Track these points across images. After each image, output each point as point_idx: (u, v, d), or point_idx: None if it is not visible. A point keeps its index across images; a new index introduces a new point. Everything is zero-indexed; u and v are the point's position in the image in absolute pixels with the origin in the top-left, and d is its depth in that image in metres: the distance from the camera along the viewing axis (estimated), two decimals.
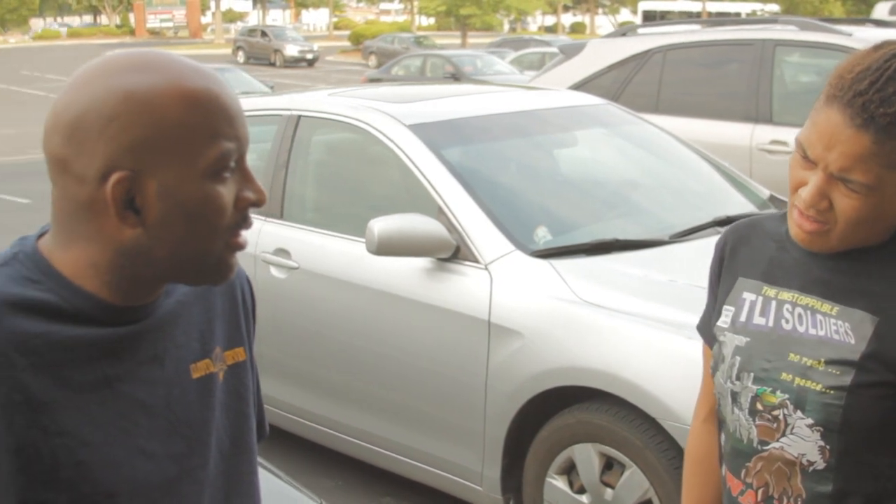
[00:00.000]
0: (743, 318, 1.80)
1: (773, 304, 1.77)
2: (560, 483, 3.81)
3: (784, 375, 1.71)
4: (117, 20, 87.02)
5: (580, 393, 3.70)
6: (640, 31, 9.00)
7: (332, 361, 4.54)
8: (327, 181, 5.15)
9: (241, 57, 46.01)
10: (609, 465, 3.69)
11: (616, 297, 3.73)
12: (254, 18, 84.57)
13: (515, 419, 3.84)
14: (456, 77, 25.45)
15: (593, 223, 4.43)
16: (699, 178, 5.18)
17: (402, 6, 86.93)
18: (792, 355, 1.71)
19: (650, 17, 50.91)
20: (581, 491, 3.77)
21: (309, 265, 4.59)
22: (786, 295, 1.76)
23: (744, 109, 7.42)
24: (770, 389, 1.73)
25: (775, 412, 1.72)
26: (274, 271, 4.70)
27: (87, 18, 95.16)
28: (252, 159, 5.36)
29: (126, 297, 1.32)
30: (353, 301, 4.39)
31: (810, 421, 1.68)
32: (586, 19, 76.81)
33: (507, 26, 74.60)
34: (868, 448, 1.67)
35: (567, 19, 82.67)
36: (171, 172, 1.26)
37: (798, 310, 1.73)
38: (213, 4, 70.95)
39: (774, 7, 52.18)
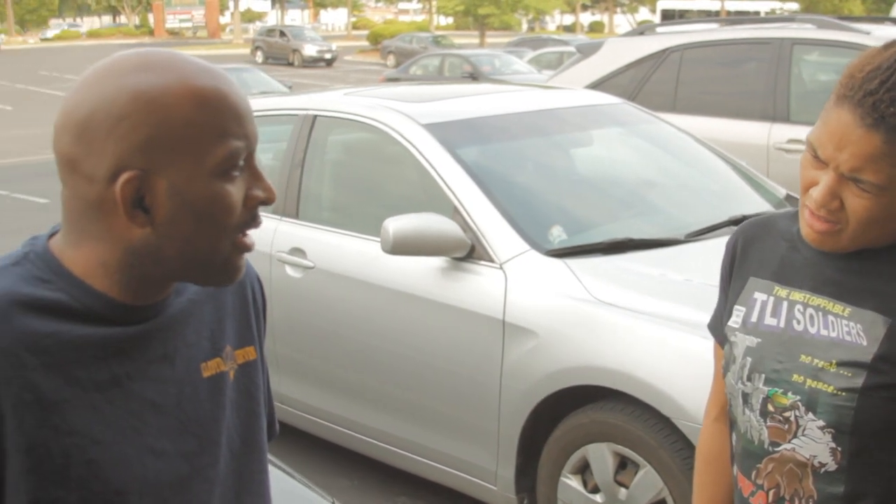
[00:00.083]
0: (754, 318, 1.79)
1: (785, 304, 1.76)
2: (574, 482, 3.80)
3: (795, 377, 1.70)
4: (136, 20, 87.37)
5: (594, 392, 3.70)
6: (659, 29, 8.98)
7: (348, 361, 4.54)
8: (343, 181, 5.16)
9: (259, 57, 46.08)
10: (623, 464, 3.68)
11: (631, 296, 3.72)
12: (272, 18, 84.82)
13: (530, 418, 3.83)
14: (474, 76, 25.44)
15: (609, 222, 4.42)
16: (715, 177, 5.16)
17: (420, 6, 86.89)
18: (803, 357, 1.70)
19: (669, 16, 50.83)
20: (595, 490, 3.76)
21: (324, 265, 4.59)
22: (797, 295, 1.75)
23: (761, 108, 7.39)
24: (781, 391, 1.72)
25: (787, 414, 1.71)
26: (289, 271, 4.71)
27: (107, 19, 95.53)
28: (268, 159, 5.40)
29: (136, 296, 1.33)
30: (369, 300, 4.40)
31: (822, 423, 1.67)
32: (605, 18, 76.66)
33: (525, 26, 74.51)
34: (880, 449, 1.67)
35: (586, 18, 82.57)
36: (180, 171, 1.26)
37: (809, 310, 1.72)
38: (231, 4, 71.17)
39: (794, 6, 51.93)
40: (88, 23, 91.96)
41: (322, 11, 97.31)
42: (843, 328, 1.68)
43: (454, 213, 4.15)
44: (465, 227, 4.08)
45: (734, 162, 5.24)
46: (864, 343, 1.65)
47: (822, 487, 1.71)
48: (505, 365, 3.86)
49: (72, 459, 1.26)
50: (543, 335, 3.77)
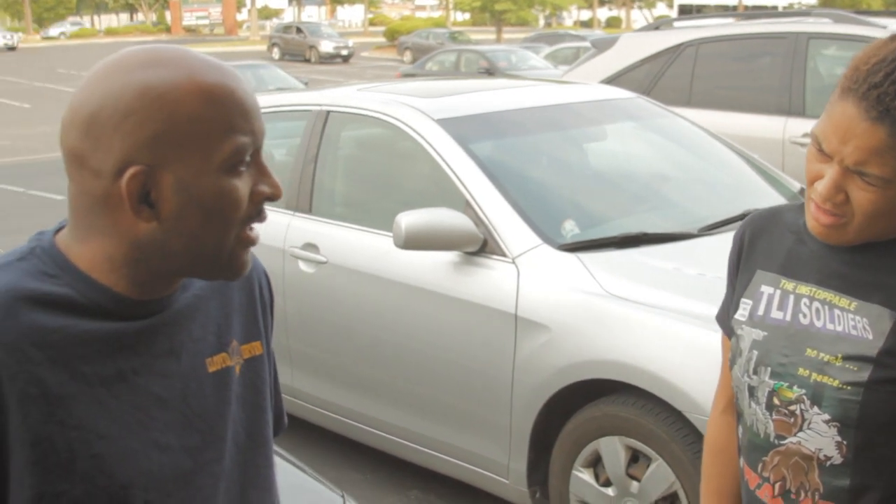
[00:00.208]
0: (761, 311, 1.79)
1: (791, 298, 1.75)
2: (586, 476, 3.80)
3: (801, 371, 1.70)
4: (153, 18, 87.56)
5: (606, 386, 3.70)
6: (675, 24, 8.95)
7: (360, 355, 4.55)
8: (356, 176, 5.17)
9: (276, 53, 46.12)
10: (635, 457, 3.68)
11: (643, 290, 3.72)
12: (289, 15, 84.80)
13: (542, 412, 3.83)
14: (490, 72, 25.40)
15: (622, 217, 4.42)
16: (729, 171, 5.15)
17: (437, 2, 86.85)
18: (809, 350, 1.70)
19: (686, 11, 50.63)
20: (607, 484, 3.76)
21: (337, 260, 4.60)
22: (804, 289, 1.74)
23: (776, 103, 7.37)
24: (787, 384, 1.72)
25: (792, 407, 1.71)
26: (302, 266, 4.72)
27: (124, 16, 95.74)
28: (281, 154, 5.41)
29: (142, 291, 1.33)
30: (381, 295, 4.41)
31: (827, 416, 1.67)
32: (622, 14, 76.44)
33: (542, 21, 74.39)
34: (885, 443, 1.66)
35: (603, 14, 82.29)
36: (187, 167, 1.26)
37: (816, 304, 1.72)
38: (248, 1, 71.29)
39: (812, 0, 51.65)
40: (106, 21, 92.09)
41: (339, 8, 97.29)
42: (849, 322, 1.67)
43: (466, 207, 4.15)
44: (478, 221, 4.08)
45: (748, 156, 5.23)
46: (870, 337, 1.65)
47: (827, 481, 1.70)
48: (517, 359, 3.87)
49: (77, 453, 1.26)
50: (556, 329, 3.77)
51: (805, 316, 1.73)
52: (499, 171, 4.30)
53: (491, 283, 4.00)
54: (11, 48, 58.41)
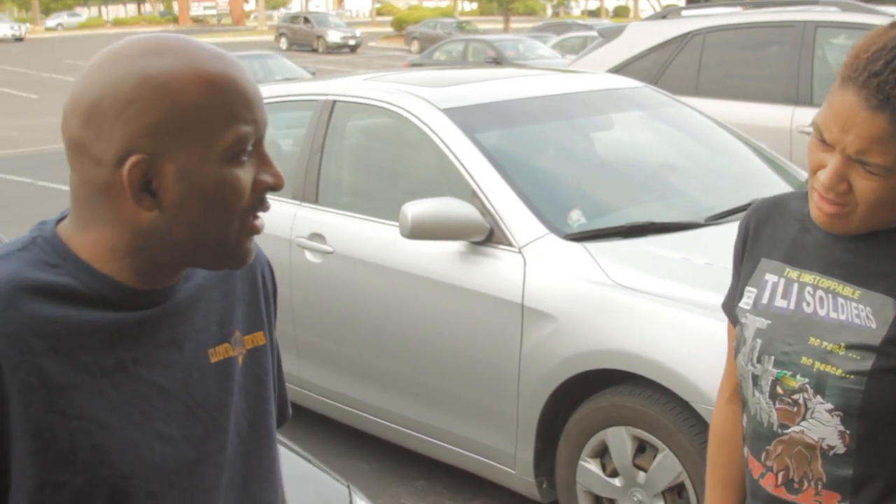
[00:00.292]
0: (765, 300, 1.78)
1: (795, 286, 1.75)
2: (593, 466, 3.80)
3: (804, 359, 1.69)
4: (161, 8, 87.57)
5: (613, 376, 3.69)
6: (683, 13, 8.92)
7: (367, 345, 4.55)
8: (362, 166, 5.16)
9: (283, 44, 46.09)
10: (642, 448, 3.67)
11: (649, 280, 3.71)
12: (296, 5, 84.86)
13: (549, 402, 3.83)
14: (498, 61, 25.37)
15: (628, 206, 4.41)
16: (736, 160, 5.14)
17: None
18: (812, 339, 1.69)
19: (694, 0, 50.45)
20: (614, 474, 3.76)
21: (343, 249, 4.60)
22: (808, 277, 1.74)
23: (784, 92, 7.35)
24: (790, 373, 1.71)
25: (795, 396, 1.70)
26: (309, 256, 4.72)
27: (132, 7, 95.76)
28: (288, 144, 5.41)
29: (145, 281, 1.32)
30: (388, 285, 4.40)
31: (830, 406, 1.67)
32: (630, 3, 76.24)
33: (549, 11, 74.27)
34: (888, 433, 1.65)
35: (611, 3, 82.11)
36: (188, 155, 1.26)
37: (819, 293, 1.71)
38: None
39: None
40: (113, 11, 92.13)
41: None
42: (852, 311, 1.66)
43: (473, 197, 4.14)
44: (484, 211, 4.07)
45: (755, 145, 5.22)
46: (874, 326, 1.64)
47: (830, 470, 1.70)
48: (524, 349, 3.86)
49: (78, 444, 1.26)
50: (562, 319, 3.77)
51: (809, 304, 1.72)
52: (505, 160, 4.29)
53: (497, 272, 3.99)
54: (19, 39, 58.44)
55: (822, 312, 1.70)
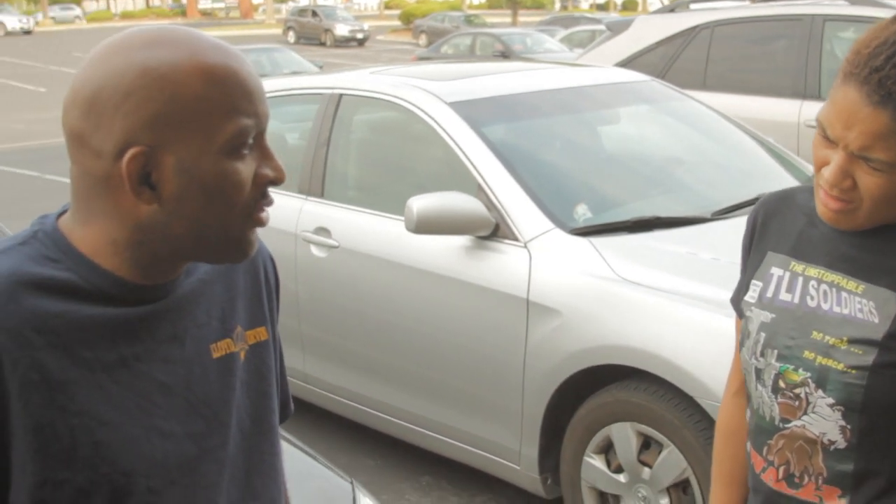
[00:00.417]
0: (770, 293, 1.78)
1: (800, 280, 1.74)
2: (598, 462, 3.79)
3: (807, 353, 1.69)
4: (169, 1, 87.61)
5: (618, 371, 3.68)
6: (691, 6, 8.90)
7: (372, 340, 4.54)
8: (368, 160, 5.15)
9: (291, 37, 46.09)
10: (647, 444, 3.67)
11: (655, 275, 3.69)
12: None
13: (553, 398, 3.82)
14: (505, 55, 25.35)
15: (635, 200, 4.39)
16: (743, 154, 5.12)
17: None
18: (815, 333, 1.69)
19: None
20: (619, 470, 3.75)
21: (349, 244, 4.59)
22: (812, 271, 1.73)
23: (792, 85, 7.33)
24: (792, 367, 1.71)
25: (797, 390, 1.70)
26: (314, 250, 4.71)
27: (140, 1, 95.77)
28: (294, 138, 5.40)
29: (145, 276, 1.32)
30: (393, 280, 4.39)
31: (831, 400, 1.66)
32: None
33: (557, 4, 74.16)
34: (890, 428, 1.65)
35: None
36: (188, 148, 1.25)
37: (824, 287, 1.71)
38: None
39: None
40: (122, 4, 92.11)
41: None
42: (855, 305, 1.66)
43: (478, 191, 4.13)
44: (490, 205, 4.06)
45: (762, 139, 5.20)
46: (876, 320, 1.63)
47: (831, 465, 1.70)
48: (529, 344, 3.85)
49: (78, 440, 1.25)
50: (568, 314, 3.76)
51: (813, 298, 1.72)
52: (511, 154, 4.28)
53: (503, 267, 3.98)
54: (27, 31, 58.49)
55: (825, 306, 1.69)
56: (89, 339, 1.27)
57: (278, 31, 51.11)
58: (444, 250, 4.18)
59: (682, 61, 7.99)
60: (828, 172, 1.61)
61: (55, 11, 74.84)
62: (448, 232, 4.05)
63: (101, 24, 68.95)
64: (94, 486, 1.27)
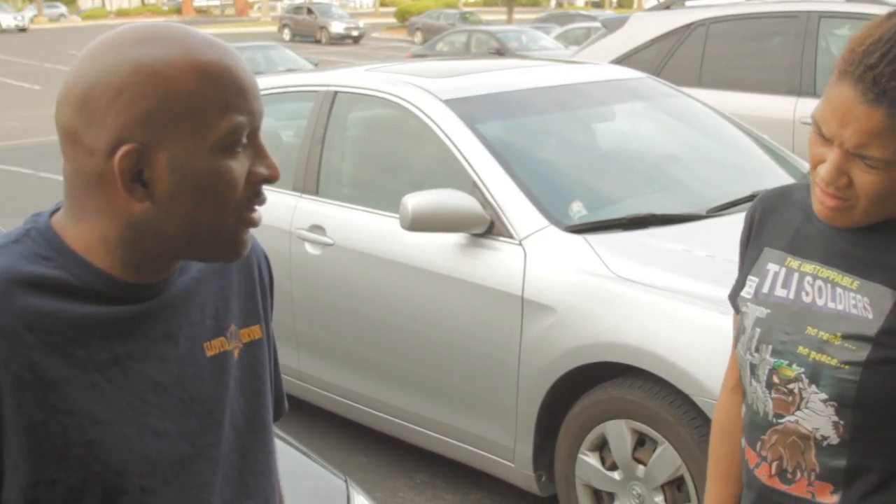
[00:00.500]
0: (766, 289, 1.78)
1: (796, 275, 1.75)
2: (592, 459, 3.79)
3: (801, 349, 1.69)
4: None
5: (613, 369, 3.68)
6: (687, 3, 8.89)
7: (366, 337, 4.54)
8: (363, 157, 5.14)
9: (286, 34, 46.05)
10: (641, 441, 3.66)
11: (650, 272, 3.69)
12: None
13: (548, 395, 3.82)
14: (500, 53, 25.32)
15: (630, 198, 4.39)
16: (738, 151, 5.12)
17: None
18: (810, 329, 1.69)
19: None
20: (613, 467, 3.75)
21: (343, 241, 4.59)
22: (808, 267, 1.73)
23: (787, 82, 7.33)
24: (787, 362, 1.71)
25: (791, 385, 1.71)
26: (309, 248, 4.71)
27: None
28: (289, 135, 5.39)
29: (138, 274, 1.31)
30: (388, 277, 4.39)
31: (824, 396, 1.66)
32: None
33: (553, 1, 74.11)
34: (882, 424, 1.65)
35: None
36: (181, 145, 1.24)
37: (819, 282, 1.71)
38: None
39: None
40: (117, 2, 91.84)
41: None
42: (850, 301, 1.66)
43: (473, 188, 4.13)
44: (485, 202, 4.06)
45: (758, 136, 5.20)
46: (870, 316, 1.63)
47: (824, 461, 1.70)
48: (523, 341, 3.85)
49: (71, 440, 1.25)
50: (562, 311, 3.75)
51: (808, 294, 1.72)
52: (506, 151, 4.27)
53: (498, 264, 3.98)
54: (22, 29, 58.35)
55: (820, 302, 1.70)
56: (82, 338, 1.26)
57: (273, 28, 51.09)
58: (438, 248, 4.17)
59: (677, 58, 7.98)
60: (823, 170, 1.61)
61: (33, 10, 74.22)
62: (443, 229, 4.05)
63: (95, 21, 68.75)
64: (87, 485, 1.26)
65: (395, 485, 4.56)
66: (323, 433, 4.99)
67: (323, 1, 49.85)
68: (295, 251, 4.74)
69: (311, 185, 4.86)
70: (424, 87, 4.60)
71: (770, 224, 1.84)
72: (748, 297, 1.81)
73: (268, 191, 1.34)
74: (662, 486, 3.60)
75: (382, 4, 77.24)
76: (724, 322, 3.12)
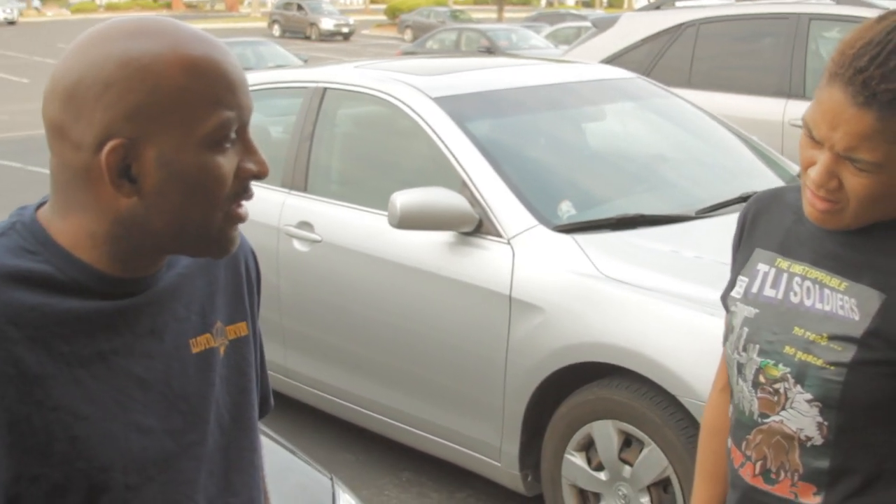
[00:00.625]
0: (755, 289, 1.79)
1: (785, 276, 1.75)
2: (578, 460, 3.78)
3: (787, 349, 1.70)
4: None
5: (600, 369, 3.68)
6: (677, 4, 8.90)
7: (353, 335, 4.53)
8: (352, 154, 5.13)
9: (276, 30, 45.97)
10: (628, 442, 3.66)
11: (638, 272, 3.69)
12: None
13: (535, 395, 3.81)
14: (491, 51, 25.34)
15: (619, 198, 4.39)
16: (727, 153, 5.12)
17: None
18: (797, 329, 1.69)
19: None
20: (599, 468, 3.74)
21: (331, 238, 4.58)
22: (797, 268, 1.74)
23: (777, 84, 7.34)
24: (773, 362, 1.71)
25: (776, 385, 1.71)
26: (297, 244, 4.69)
27: None
28: (278, 132, 5.37)
29: (125, 269, 1.30)
30: (376, 275, 4.38)
31: (809, 396, 1.67)
32: None
33: (543, 1, 74.13)
34: (866, 426, 1.66)
35: None
36: (169, 140, 1.23)
37: (807, 283, 1.71)
38: None
39: None
40: None
41: None
42: (837, 302, 1.67)
43: (462, 187, 4.12)
44: (473, 201, 4.05)
45: (747, 138, 5.20)
46: (857, 318, 1.64)
47: (807, 461, 1.70)
48: (511, 341, 3.84)
49: (54, 435, 1.24)
50: (550, 311, 3.75)
51: (796, 294, 1.72)
52: (496, 150, 4.27)
53: (486, 263, 3.97)
54: (11, 22, 58.10)
55: (808, 303, 1.70)
56: (67, 333, 1.25)
57: (263, 24, 51.01)
58: (427, 246, 4.16)
59: (667, 59, 7.99)
60: (814, 173, 1.61)
61: (11, 2, 73.48)
62: (431, 227, 4.04)
63: (85, 14, 68.54)
64: (71, 481, 1.25)
65: (381, 482, 4.55)
66: (308, 431, 4.98)
67: None
68: (283, 248, 4.72)
69: (299, 181, 4.85)
70: (414, 85, 4.60)
71: (762, 225, 1.85)
72: (738, 296, 1.82)
73: (256, 187, 1.33)
74: (648, 487, 3.59)
75: (373, 2, 77.18)
76: (712, 323, 3.12)
